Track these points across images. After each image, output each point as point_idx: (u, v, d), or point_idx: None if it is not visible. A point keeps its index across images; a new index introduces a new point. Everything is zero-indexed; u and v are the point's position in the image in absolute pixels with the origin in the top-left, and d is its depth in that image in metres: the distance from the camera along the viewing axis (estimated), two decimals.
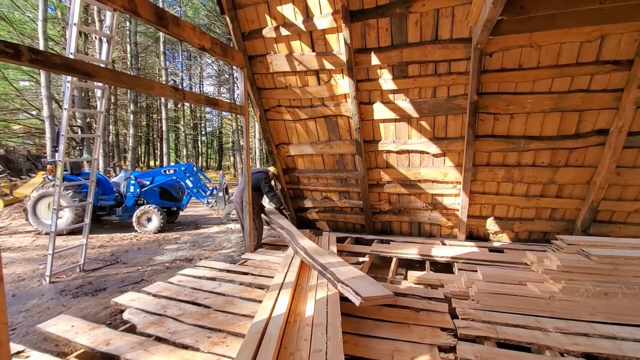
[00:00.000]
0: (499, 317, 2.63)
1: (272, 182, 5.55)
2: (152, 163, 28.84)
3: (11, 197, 9.29)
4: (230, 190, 8.41)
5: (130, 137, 15.23)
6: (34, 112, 16.47)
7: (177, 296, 3.07)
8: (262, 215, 5.25)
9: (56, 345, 2.52)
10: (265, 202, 5.44)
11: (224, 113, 26.26)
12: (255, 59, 4.62)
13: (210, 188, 7.85)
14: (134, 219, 6.87)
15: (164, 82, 15.90)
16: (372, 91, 4.42)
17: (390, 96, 4.39)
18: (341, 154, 5.08)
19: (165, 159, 18.35)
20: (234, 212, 7.62)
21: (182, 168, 7.50)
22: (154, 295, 3.09)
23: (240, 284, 3.43)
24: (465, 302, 2.92)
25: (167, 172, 7.43)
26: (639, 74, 3.40)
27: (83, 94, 13.70)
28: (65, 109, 4.01)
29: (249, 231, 4.64)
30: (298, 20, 4.11)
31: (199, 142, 30.96)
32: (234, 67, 14.77)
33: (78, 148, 8.13)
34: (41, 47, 10.44)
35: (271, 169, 5.29)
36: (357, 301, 2.41)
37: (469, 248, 4.56)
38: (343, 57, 4.11)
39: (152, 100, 23.28)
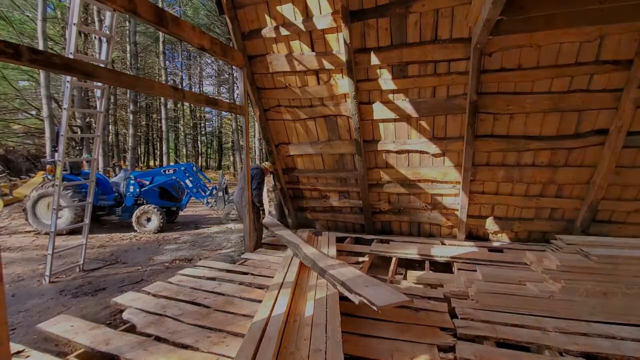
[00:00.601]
0: (498, 316, 2.64)
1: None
2: (151, 163, 28.80)
3: (11, 197, 9.28)
4: (230, 190, 8.40)
5: (129, 137, 15.20)
6: (34, 112, 16.42)
7: (177, 296, 3.07)
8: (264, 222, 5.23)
9: (56, 345, 2.52)
10: (266, 203, 5.44)
11: (224, 113, 26.25)
12: (255, 59, 4.62)
13: (210, 188, 7.84)
14: (134, 218, 6.86)
15: (163, 82, 15.91)
16: (372, 91, 4.42)
17: (390, 96, 4.39)
18: (341, 153, 5.08)
19: (164, 158, 18.33)
20: (233, 212, 7.63)
21: (182, 168, 7.50)
22: (154, 295, 3.09)
23: (240, 284, 3.43)
24: (464, 302, 2.93)
25: (167, 172, 7.42)
26: (639, 74, 3.41)
27: (83, 94, 13.66)
28: (65, 108, 4.01)
29: (249, 231, 4.64)
30: (298, 20, 4.11)
31: (199, 142, 30.93)
32: (233, 67, 14.77)
33: (78, 148, 8.15)
34: (41, 47, 10.41)
35: (266, 164, 5.27)
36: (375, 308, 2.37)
37: (469, 248, 4.56)
38: (343, 57, 4.11)
39: (151, 100, 23.26)
